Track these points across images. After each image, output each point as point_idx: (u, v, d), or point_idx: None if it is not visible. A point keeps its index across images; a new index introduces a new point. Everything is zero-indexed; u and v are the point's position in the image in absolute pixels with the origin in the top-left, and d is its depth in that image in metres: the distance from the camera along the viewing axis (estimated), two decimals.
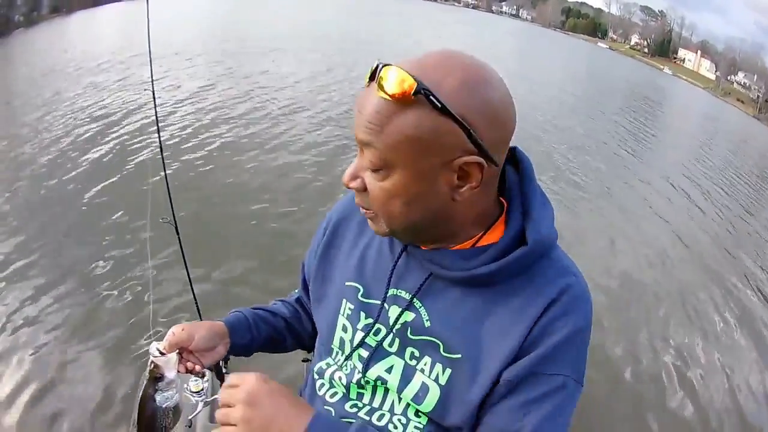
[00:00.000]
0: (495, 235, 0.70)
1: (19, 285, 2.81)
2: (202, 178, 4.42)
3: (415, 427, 0.73)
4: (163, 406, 0.76)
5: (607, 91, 20.10)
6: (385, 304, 0.75)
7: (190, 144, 5.13)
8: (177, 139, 5.22)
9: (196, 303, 1.93)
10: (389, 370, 0.74)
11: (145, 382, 0.77)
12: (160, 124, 2.29)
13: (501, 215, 0.72)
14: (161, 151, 2.30)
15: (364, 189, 0.67)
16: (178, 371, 0.78)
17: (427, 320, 0.72)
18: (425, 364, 0.71)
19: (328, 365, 0.83)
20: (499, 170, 0.67)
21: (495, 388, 0.66)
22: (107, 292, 2.82)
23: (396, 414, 0.75)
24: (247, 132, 5.80)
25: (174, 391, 0.77)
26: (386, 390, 0.76)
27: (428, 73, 0.59)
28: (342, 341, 0.81)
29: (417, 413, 0.73)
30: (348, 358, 0.79)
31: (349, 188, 0.68)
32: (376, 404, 0.77)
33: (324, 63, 10.92)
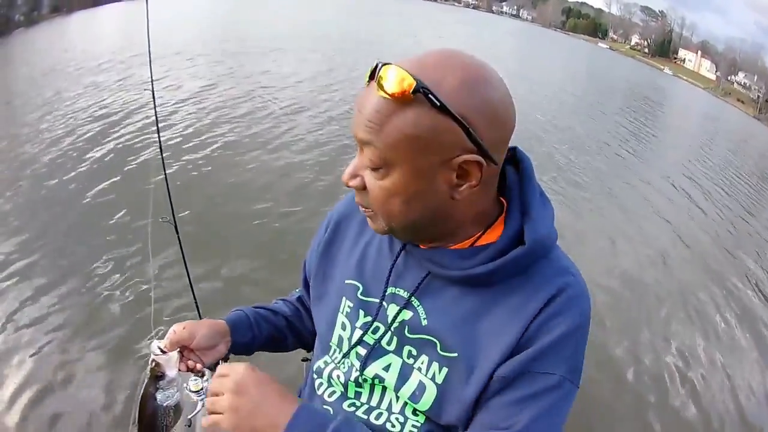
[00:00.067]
0: (494, 234, 0.70)
1: (20, 285, 2.81)
2: (203, 178, 4.43)
3: (413, 426, 0.73)
4: (164, 404, 0.75)
5: (608, 91, 20.09)
6: (384, 303, 0.76)
7: (191, 144, 5.13)
8: (179, 139, 5.22)
9: (196, 303, 1.93)
10: (387, 368, 0.74)
11: (145, 381, 0.77)
12: (161, 124, 2.29)
13: (501, 215, 0.72)
14: (161, 150, 2.30)
15: (363, 187, 0.67)
16: (179, 370, 0.78)
17: (424, 319, 0.72)
18: (422, 363, 0.71)
19: (326, 363, 0.83)
20: (498, 169, 0.67)
21: (489, 385, 0.66)
22: (108, 293, 2.82)
23: (394, 413, 0.75)
24: (249, 132, 5.80)
25: (175, 390, 0.76)
26: (384, 388, 0.76)
27: (428, 73, 0.59)
28: (340, 339, 0.81)
29: (414, 412, 0.73)
30: (346, 356, 0.79)
31: (348, 187, 0.69)
32: (374, 403, 0.77)
33: (325, 63, 10.92)
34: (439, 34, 26.95)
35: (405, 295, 0.74)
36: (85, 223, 3.49)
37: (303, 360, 1.14)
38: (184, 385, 0.80)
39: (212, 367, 1.09)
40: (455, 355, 0.69)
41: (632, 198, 6.56)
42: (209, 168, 4.63)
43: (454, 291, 0.71)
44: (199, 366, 0.82)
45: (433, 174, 0.62)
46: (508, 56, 21.81)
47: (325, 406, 0.81)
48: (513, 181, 0.72)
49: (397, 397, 0.74)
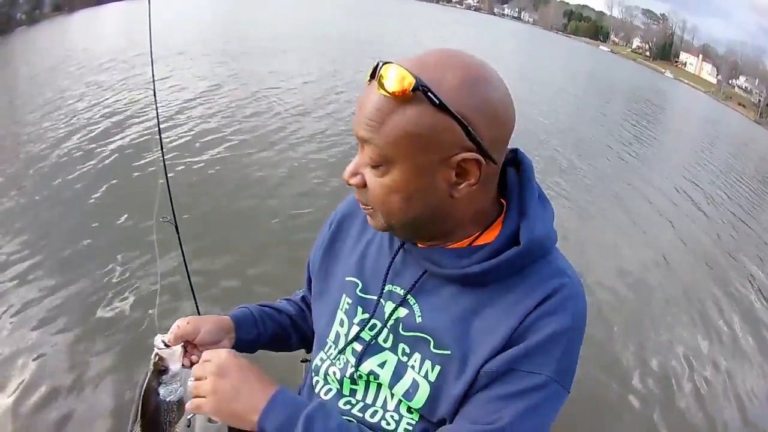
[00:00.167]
0: (492, 234, 0.70)
1: (22, 285, 2.80)
2: (209, 179, 4.42)
3: (408, 424, 0.74)
4: (167, 399, 0.74)
5: (610, 93, 20.11)
6: (382, 300, 0.76)
7: (197, 145, 5.11)
8: (186, 138, 5.21)
9: (196, 303, 1.92)
10: (382, 365, 0.75)
11: (148, 375, 0.76)
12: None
13: (500, 216, 0.72)
14: (161, 150, 2.30)
15: (364, 185, 0.68)
16: (183, 365, 0.77)
17: (419, 316, 0.72)
18: (415, 361, 0.72)
19: (322, 360, 0.84)
20: (498, 169, 0.68)
21: (476, 380, 0.66)
22: (112, 294, 2.81)
23: (389, 410, 0.75)
24: (255, 133, 5.79)
25: (178, 385, 0.75)
26: (379, 386, 0.76)
27: (428, 72, 0.60)
28: (337, 335, 0.81)
29: (409, 410, 0.74)
30: (341, 352, 0.79)
31: (349, 184, 0.69)
32: (369, 400, 0.77)
33: (329, 64, 10.92)
34: (440, 35, 26.98)
35: (402, 292, 0.75)
36: (89, 223, 3.48)
37: (302, 361, 1.15)
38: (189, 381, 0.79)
39: None
40: (448, 352, 0.69)
41: (635, 201, 6.57)
42: (215, 169, 4.62)
43: (450, 290, 0.71)
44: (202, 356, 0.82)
45: (433, 172, 0.63)
46: (509, 57, 21.84)
47: None
48: (513, 182, 0.72)
49: (392, 395, 0.75)
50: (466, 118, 0.60)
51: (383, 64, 0.61)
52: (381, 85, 0.60)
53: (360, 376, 0.77)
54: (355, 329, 0.79)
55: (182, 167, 4.50)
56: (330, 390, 0.82)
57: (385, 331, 0.75)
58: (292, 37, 14.23)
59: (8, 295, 2.72)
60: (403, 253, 0.77)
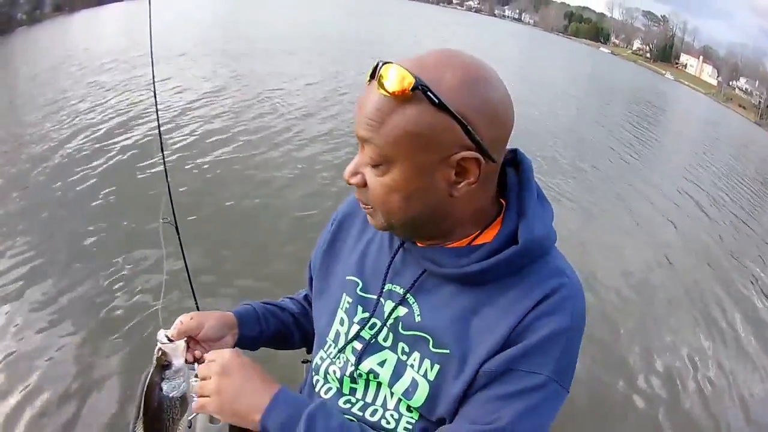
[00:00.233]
0: (491, 234, 0.70)
1: (26, 287, 2.81)
2: (212, 180, 4.43)
3: (408, 423, 0.74)
4: (170, 395, 0.73)
5: (611, 95, 20.12)
6: (381, 299, 0.76)
7: (202, 146, 5.13)
8: (192, 139, 5.23)
9: (197, 304, 1.93)
10: (382, 363, 0.75)
11: (151, 370, 0.74)
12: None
13: (499, 215, 0.72)
14: (162, 151, 2.30)
15: (364, 184, 0.68)
16: (186, 360, 0.77)
17: (418, 315, 0.73)
18: (415, 360, 0.72)
19: (322, 359, 0.84)
20: (497, 168, 0.68)
21: (475, 379, 0.66)
22: (115, 296, 2.81)
23: (389, 409, 0.76)
24: (258, 134, 5.80)
25: (181, 380, 0.74)
26: (378, 384, 0.77)
27: (428, 71, 0.60)
28: (338, 334, 0.82)
29: (409, 408, 0.74)
30: (341, 350, 0.80)
31: (349, 184, 0.70)
32: (369, 399, 0.78)
33: (331, 64, 10.94)
34: (441, 35, 26.99)
35: (401, 291, 0.75)
36: (92, 225, 3.48)
37: (303, 362, 1.15)
38: (191, 378, 0.78)
39: None
40: (447, 351, 0.69)
41: (637, 202, 6.59)
42: (219, 170, 4.63)
43: (449, 289, 0.71)
44: (206, 356, 0.81)
45: (433, 171, 0.63)
46: (509, 58, 21.84)
47: None
48: (513, 182, 0.72)
49: (392, 394, 0.75)
50: (465, 118, 0.60)
51: (383, 64, 0.61)
52: (381, 85, 0.60)
53: (360, 375, 0.77)
54: (355, 328, 0.79)
55: (187, 168, 4.50)
56: (330, 389, 0.82)
57: (385, 330, 0.75)
58: (292, 37, 14.25)
59: (10, 297, 2.73)
60: (403, 253, 0.77)
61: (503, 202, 0.73)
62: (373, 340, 0.76)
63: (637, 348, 3.33)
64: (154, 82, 2.46)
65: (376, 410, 0.76)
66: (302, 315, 1.03)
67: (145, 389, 0.73)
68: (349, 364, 0.78)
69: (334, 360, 0.82)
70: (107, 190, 3.96)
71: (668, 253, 5.07)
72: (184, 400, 0.75)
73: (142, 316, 2.65)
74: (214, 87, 7.48)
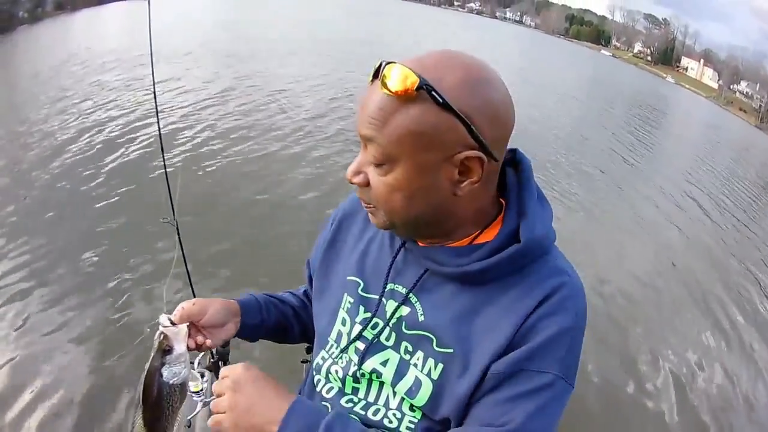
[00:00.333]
0: (491, 233, 0.71)
1: (29, 289, 2.81)
2: (216, 181, 4.43)
3: (410, 422, 0.74)
4: (171, 382, 0.72)
5: (612, 98, 20.16)
6: (383, 299, 0.77)
7: (206, 147, 5.15)
8: (198, 140, 5.24)
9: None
10: (384, 363, 0.75)
11: (152, 355, 0.72)
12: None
13: (499, 215, 0.73)
14: (162, 150, 2.31)
15: (366, 184, 0.68)
16: (188, 347, 0.76)
17: (421, 315, 0.73)
18: (418, 359, 0.72)
19: (324, 360, 0.84)
20: (498, 166, 0.68)
21: (483, 381, 0.66)
22: (118, 297, 2.82)
23: (391, 408, 0.75)
24: (264, 136, 5.82)
25: (182, 366, 0.73)
26: (381, 384, 0.77)
27: (429, 72, 0.60)
28: (339, 334, 0.82)
29: (411, 408, 0.74)
30: (344, 351, 0.80)
31: (352, 183, 0.69)
32: (371, 399, 0.78)
33: (333, 65, 10.95)
34: (442, 36, 27.01)
35: (403, 291, 0.75)
36: (95, 225, 3.49)
37: (302, 362, 1.14)
38: (193, 371, 0.77)
39: (212, 368, 1.08)
40: (451, 350, 0.69)
41: (640, 204, 6.62)
42: (223, 171, 4.64)
43: (450, 288, 0.71)
44: (208, 342, 0.81)
45: (436, 170, 0.63)
46: (511, 61, 21.87)
47: (323, 403, 0.81)
48: (512, 182, 0.73)
49: (394, 393, 0.75)
50: (469, 118, 0.60)
51: (386, 64, 0.61)
52: (384, 85, 0.60)
53: (362, 375, 0.77)
54: (357, 328, 0.79)
55: (191, 169, 4.50)
56: (332, 388, 0.82)
57: (388, 329, 0.76)
58: (293, 38, 14.26)
59: (16, 298, 2.73)
60: (404, 252, 0.77)
61: (503, 201, 0.74)
62: (376, 339, 0.76)
63: (643, 349, 3.35)
64: (154, 83, 2.47)
65: (378, 409, 0.76)
66: (302, 309, 1.03)
67: (144, 375, 0.72)
68: (352, 363, 0.78)
69: (336, 360, 0.81)
70: (112, 191, 3.96)
71: (672, 256, 5.09)
72: (183, 388, 0.74)
73: (146, 317, 2.65)
74: (217, 88, 7.50)
